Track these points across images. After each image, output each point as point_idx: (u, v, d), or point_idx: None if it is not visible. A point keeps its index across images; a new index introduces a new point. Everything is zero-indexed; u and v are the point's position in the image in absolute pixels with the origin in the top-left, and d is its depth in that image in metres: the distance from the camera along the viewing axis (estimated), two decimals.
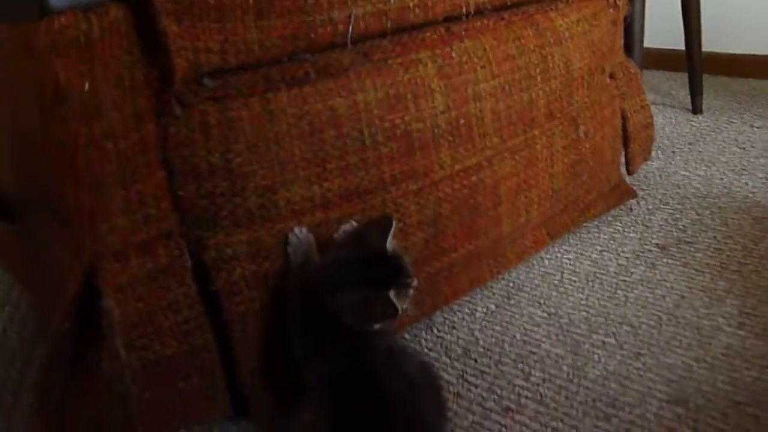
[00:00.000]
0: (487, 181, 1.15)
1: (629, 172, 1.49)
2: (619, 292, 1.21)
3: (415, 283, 0.89)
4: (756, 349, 1.04)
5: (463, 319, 1.17)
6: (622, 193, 1.47)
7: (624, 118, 1.43)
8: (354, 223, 0.96)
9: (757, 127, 1.84)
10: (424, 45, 1.04)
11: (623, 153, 1.47)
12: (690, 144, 1.78)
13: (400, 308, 0.84)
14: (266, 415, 0.95)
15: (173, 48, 0.79)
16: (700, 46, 1.91)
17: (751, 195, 1.49)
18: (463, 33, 1.10)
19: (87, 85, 0.75)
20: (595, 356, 1.06)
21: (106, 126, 0.77)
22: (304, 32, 0.90)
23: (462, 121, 1.08)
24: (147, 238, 0.82)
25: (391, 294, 0.84)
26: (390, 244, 0.89)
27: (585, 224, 1.40)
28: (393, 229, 0.89)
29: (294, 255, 0.91)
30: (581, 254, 1.33)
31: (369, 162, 0.97)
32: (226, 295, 0.88)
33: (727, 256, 1.28)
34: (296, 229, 0.91)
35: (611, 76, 1.39)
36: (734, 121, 1.90)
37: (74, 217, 0.81)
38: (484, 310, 1.19)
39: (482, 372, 1.04)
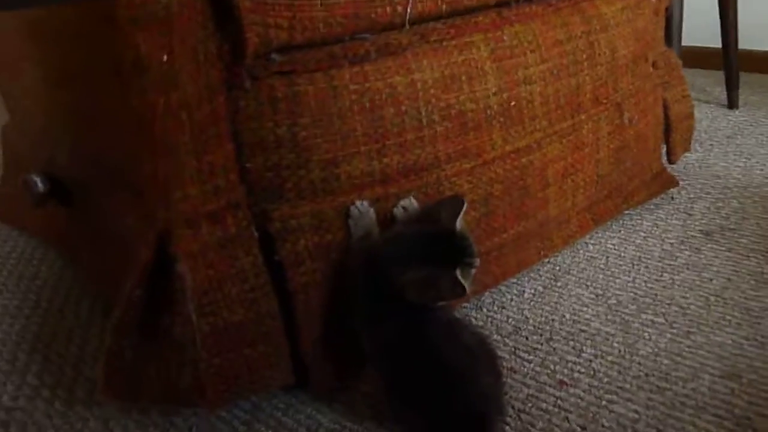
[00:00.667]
0: (536, 164, 1.17)
1: (670, 162, 1.49)
2: (665, 275, 1.22)
3: (477, 263, 0.91)
4: None
5: (511, 299, 1.19)
6: (663, 182, 1.48)
7: (666, 107, 1.44)
8: (413, 200, 0.99)
9: None
10: (477, 28, 1.07)
11: (664, 142, 1.47)
12: (728, 137, 1.78)
13: (467, 287, 0.86)
14: (326, 384, 0.97)
15: (245, 23, 0.82)
16: (736, 41, 1.92)
17: None
18: (514, 18, 1.12)
19: (165, 57, 0.79)
20: (646, 334, 1.07)
21: (182, 97, 0.80)
22: (365, 12, 0.93)
23: (513, 103, 1.11)
24: (217, 207, 0.85)
25: (457, 273, 0.86)
26: (459, 223, 0.91)
27: (628, 211, 1.42)
28: (464, 210, 0.91)
29: (355, 228, 0.94)
30: (625, 240, 1.35)
31: (425, 140, 1.00)
32: (290, 265, 0.91)
33: None
34: (358, 203, 0.94)
35: (654, 65, 1.40)
36: None
37: (149, 186, 0.85)
38: (532, 291, 1.21)
39: (534, 348, 1.06)
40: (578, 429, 0.91)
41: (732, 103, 1.97)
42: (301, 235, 0.91)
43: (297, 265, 0.92)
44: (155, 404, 0.97)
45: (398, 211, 0.98)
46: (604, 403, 0.95)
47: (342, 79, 0.91)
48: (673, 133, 1.47)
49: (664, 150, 1.49)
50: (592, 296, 1.18)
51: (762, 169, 1.59)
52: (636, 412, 0.92)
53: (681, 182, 1.53)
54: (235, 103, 0.85)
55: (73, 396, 1.05)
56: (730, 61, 1.94)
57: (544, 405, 0.95)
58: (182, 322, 0.84)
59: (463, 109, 1.04)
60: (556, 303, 1.17)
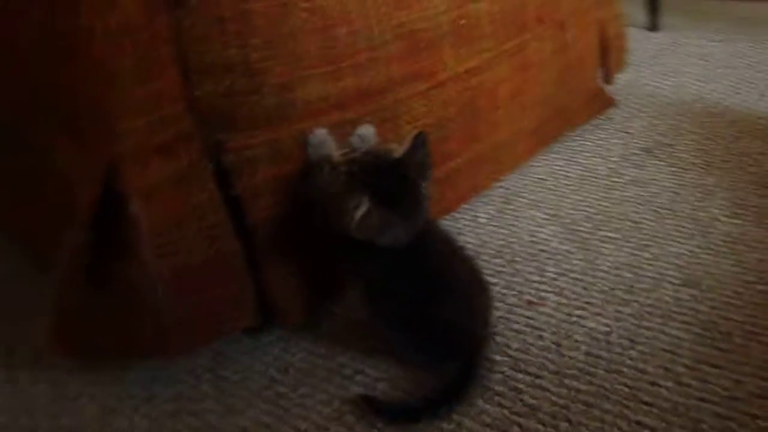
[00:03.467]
0: (487, 85, 1.14)
1: (607, 82, 1.50)
2: (613, 192, 1.23)
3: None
4: (754, 234, 1.08)
5: (467, 225, 1.17)
6: (602, 102, 1.49)
7: (601, 27, 1.44)
8: (370, 127, 0.94)
9: (716, 41, 1.88)
10: None
11: (600, 62, 1.47)
12: (654, 57, 1.81)
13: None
14: (293, 321, 0.93)
15: None
16: None
17: (721, 101, 1.53)
18: None
19: None
20: (604, 250, 1.08)
21: (121, 18, 0.72)
22: None
23: (462, 22, 1.06)
24: (166, 139, 0.78)
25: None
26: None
27: (569, 132, 1.42)
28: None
29: (315, 156, 0.88)
30: (570, 160, 1.35)
31: (379, 61, 0.95)
32: (249, 199, 0.85)
33: (710, 155, 1.32)
34: (316, 130, 0.88)
35: None
36: (692, 36, 1.94)
37: (89, 120, 0.76)
38: (486, 215, 1.20)
39: (498, 272, 1.05)
40: (553, 346, 0.91)
41: (654, 26, 2.00)
42: (258, 166, 0.85)
43: (255, 198, 0.86)
44: (112, 359, 0.90)
45: (355, 140, 0.92)
46: (574, 319, 0.95)
47: None
48: (609, 53, 1.47)
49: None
50: (546, 216, 1.18)
51: (691, 87, 1.62)
52: (606, 325, 0.93)
53: (617, 102, 1.54)
54: (178, 23, 0.77)
55: (14, 359, 0.96)
56: None
57: (516, 326, 0.95)
58: (139, 267, 0.77)
59: (414, 28, 0.99)
60: (511, 225, 1.16)
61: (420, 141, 0.82)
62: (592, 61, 1.43)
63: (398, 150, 0.84)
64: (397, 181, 0.81)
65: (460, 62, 1.08)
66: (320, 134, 0.88)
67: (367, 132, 0.93)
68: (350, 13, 0.90)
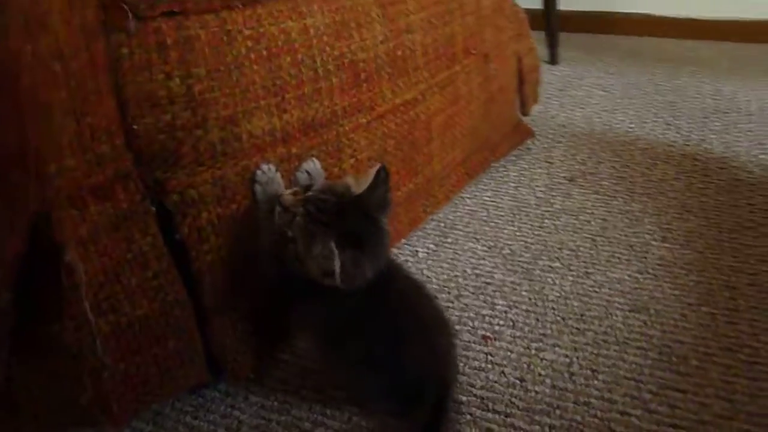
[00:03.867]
0: (422, 117, 1.11)
1: (524, 113, 1.52)
2: (546, 221, 1.24)
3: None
4: (686, 258, 1.11)
5: (407, 260, 1.14)
6: (522, 133, 1.51)
7: (518, 60, 1.46)
8: (315, 161, 0.89)
9: (612, 74, 1.97)
10: None
11: (518, 94, 1.50)
12: (560, 90, 1.87)
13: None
14: (243, 374, 0.84)
15: None
16: (556, 3, 2.03)
17: (630, 130, 1.60)
18: None
19: None
20: (549, 279, 1.07)
21: (53, 43, 0.64)
22: None
23: (399, 53, 1.04)
24: (103, 180, 0.70)
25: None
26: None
27: (494, 164, 1.42)
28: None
29: (262, 194, 0.82)
30: (498, 191, 1.35)
31: (323, 92, 0.90)
32: (194, 243, 0.78)
33: (631, 182, 1.36)
34: (263, 165, 0.82)
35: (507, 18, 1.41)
36: (590, 69, 2.02)
37: (12, 161, 0.67)
38: (426, 250, 1.17)
39: (446, 307, 1.01)
40: (517, 382, 0.88)
41: (553, 60, 2.07)
42: (202, 207, 0.78)
43: (200, 242, 0.78)
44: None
45: (302, 176, 0.87)
46: (533, 351, 0.93)
47: (235, 22, 0.79)
48: (525, 85, 1.50)
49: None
50: (486, 248, 1.16)
51: (600, 117, 1.68)
52: (566, 356, 0.92)
53: (535, 133, 1.57)
54: (116, 50, 0.69)
55: None
56: (551, 21, 2.03)
57: (476, 363, 0.91)
58: (76, 326, 0.68)
59: (354, 59, 0.95)
60: (452, 259, 1.14)
61: (382, 176, 0.78)
62: (511, 93, 1.45)
63: (354, 185, 0.79)
64: (359, 219, 0.77)
65: (398, 94, 1.05)
66: (268, 170, 0.82)
67: (314, 167, 0.88)
68: (294, 42, 0.85)
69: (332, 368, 0.83)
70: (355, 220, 0.76)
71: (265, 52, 0.82)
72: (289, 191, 0.80)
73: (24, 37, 0.62)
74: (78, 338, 0.68)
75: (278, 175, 0.84)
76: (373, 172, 0.77)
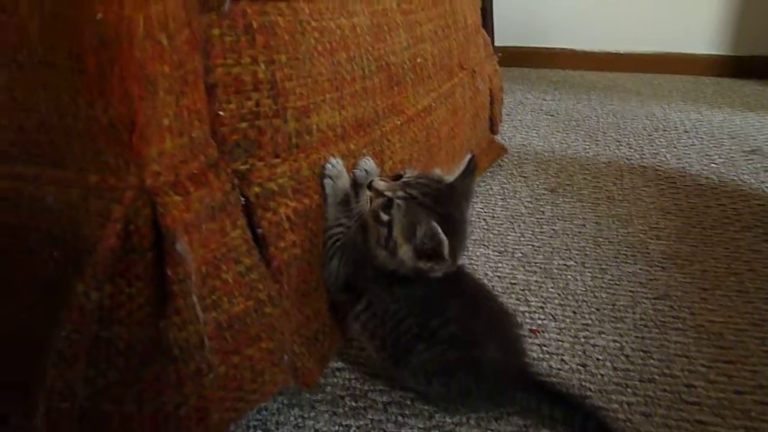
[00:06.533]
0: (435, 125, 1.13)
1: (493, 132, 1.57)
2: (544, 227, 1.27)
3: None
4: (684, 251, 1.18)
5: None
6: (497, 149, 1.55)
7: (490, 79, 1.52)
8: (370, 160, 0.87)
9: (551, 101, 2.09)
10: None
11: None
12: (507, 114, 1.94)
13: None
14: (315, 377, 0.80)
15: None
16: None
17: (587, 147, 1.69)
18: None
19: None
20: (569, 276, 1.10)
21: (161, 14, 0.60)
22: None
23: (418, 60, 1.06)
24: (198, 166, 0.65)
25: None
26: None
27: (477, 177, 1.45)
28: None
29: (332, 188, 0.80)
30: (488, 202, 1.37)
31: (368, 91, 0.90)
32: (273, 239, 0.74)
33: (607, 191, 1.43)
34: (332, 159, 0.80)
35: None
36: (529, 97, 2.13)
37: (113, 139, 0.61)
38: None
39: None
40: (581, 368, 0.89)
41: None
42: (281, 200, 0.74)
43: (279, 238, 0.75)
44: None
45: (360, 173, 0.85)
46: (582, 340, 0.94)
47: (304, 13, 0.77)
48: (495, 104, 1.55)
49: None
50: (497, 253, 1.18)
51: (555, 137, 1.76)
52: (615, 341, 0.94)
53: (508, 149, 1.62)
54: (207, 30, 0.66)
55: None
56: None
57: (534, 354, 0.91)
58: (181, 323, 0.62)
59: (388, 62, 0.96)
60: (469, 264, 1.14)
61: (472, 165, 0.78)
62: (487, 111, 1.50)
63: (445, 175, 0.81)
64: (454, 206, 0.76)
65: (418, 100, 1.06)
66: (337, 164, 0.80)
67: (370, 165, 0.87)
68: (347, 38, 0.85)
69: (402, 367, 0.80)
70: (451, 206, 0.76)
71: (328, 45, 0.81)
72: (377, 178, 0.80)
73: (137, 5, 0.58)
74: (184, 337, 0.62)
75: (345, 170, 0.82)
76: (465, 161, 0.77)
